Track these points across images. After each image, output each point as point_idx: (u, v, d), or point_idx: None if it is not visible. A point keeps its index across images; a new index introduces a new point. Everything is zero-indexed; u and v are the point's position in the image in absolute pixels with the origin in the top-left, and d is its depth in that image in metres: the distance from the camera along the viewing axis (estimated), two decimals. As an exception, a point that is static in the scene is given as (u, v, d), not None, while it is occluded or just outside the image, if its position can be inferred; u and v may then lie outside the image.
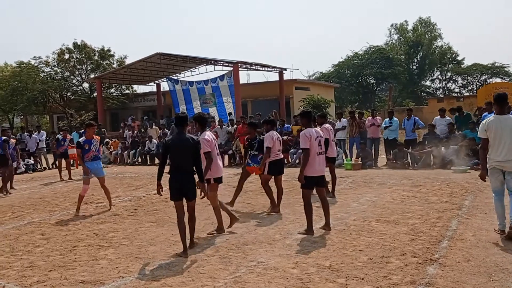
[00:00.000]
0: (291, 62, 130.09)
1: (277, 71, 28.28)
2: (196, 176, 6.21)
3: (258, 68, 27.73)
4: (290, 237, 6.44)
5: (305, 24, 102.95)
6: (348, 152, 15.12)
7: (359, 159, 13.79)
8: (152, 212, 8.75)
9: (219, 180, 6.94)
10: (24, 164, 17.47)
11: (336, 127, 15.11)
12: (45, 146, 19.10)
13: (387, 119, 14.65)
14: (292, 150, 15.11)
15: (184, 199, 6.13)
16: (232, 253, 5.81)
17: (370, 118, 14.75)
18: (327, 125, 9.29)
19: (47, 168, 18.79)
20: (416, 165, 13.21)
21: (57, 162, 16.09)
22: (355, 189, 10.28)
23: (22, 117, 40.72)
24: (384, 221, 7.14)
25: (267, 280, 4.84)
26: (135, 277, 5.13)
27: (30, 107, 34.70)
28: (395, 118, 14.62)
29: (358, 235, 6.41)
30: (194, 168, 6.12)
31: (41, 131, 19.98)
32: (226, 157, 16.13)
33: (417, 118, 14.55)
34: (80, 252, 6.24)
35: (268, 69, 28.29)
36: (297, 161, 14.82)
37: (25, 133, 19.30)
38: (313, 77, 48.25)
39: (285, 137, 16.04)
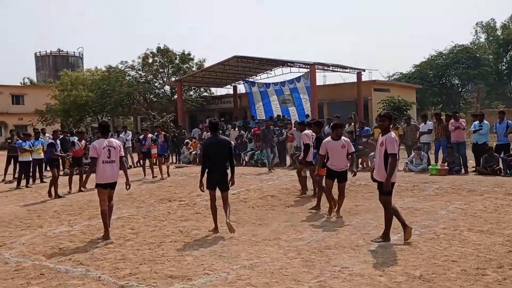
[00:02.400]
0: (370, 63, 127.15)
1: (355, 72, 27.63)
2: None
3: (336, 69, 27.25)
4: (374, 243, 6.23)
5: (384, 24, 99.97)
6: (433, 156, 14.38)
7: (446, 164, 13.06)
8: (232, 212, 8.80)
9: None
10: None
11: (420, 130, 14.43)
12: (131, 145, 20.20)
13: (476, 122, 13.71)
14: (372, 153, 14.67)
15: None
16: (314, 257, 5.73)
17: (453, 121, 13.89)
18: (307, 132, 10.15)
19: (133, 166, 19.82)
20: (508, 172, 12.26)
21: (141, 161, 16.89)
22: (443, 195, 9.73)
23: (109, 118, 43.38)
24: (477, 230, 6.69)
25: (353, 286, 4.70)
26: (220, 275, 5.21)
27: (117, 108, 36.81)
28: (485, 121, 13.64)
29: (449, 245, 6.04)
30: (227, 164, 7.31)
31: (127, 131, 21.15)
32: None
33: (510, 122, 13.49)
34: (167, 247, 6.47)
35: (346, 70, 27.72)
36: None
37: (114, 133, 20.52)
38: (393, 78, 46.63)
39: (364, 139, 15.67)
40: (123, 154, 7.76)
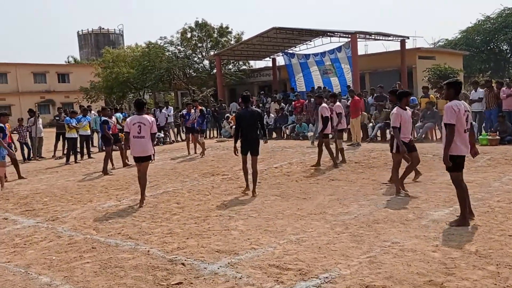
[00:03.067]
0: (414, 29, 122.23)
1: (399, 40, 26.63)
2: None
3: (378, 38, 26.34)
4: (425, 218, 6.01)
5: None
6: (484, 125, 13.72)
7: (497, 133, 12.45)
8: (275, 186, 8.83)
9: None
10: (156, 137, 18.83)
11: (471, 98, 13.77)
12: (173, 120, 20.46)
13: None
14: (418, 124, 14.18)
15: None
16: (363, 231, 5.59)
17: (505, 88, 13.16)
18: (325, 104, 10.78)
19: (175, 141, 20.13)
20: None
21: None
22: (495, 166, 9.30)
23: (150, 94, 44.06)
24: (536, 203, 6.33)
25: (405, 262, 4.54)
26: (266, 249, 5.17)
27: (158, 84, 37.30)
28: (541, 88, 12.85)
29: (505, 218, 5.75)
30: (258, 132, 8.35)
31: (169, 106, 21.40)
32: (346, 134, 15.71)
33: None
34: (212, 221, 6.49)
35: (389, 38, 26.76)
36: (423, 135, 13.90)
37: (156, 108, 20.80)
38: (438, 45, 44.71)
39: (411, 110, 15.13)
40: (155, 131, 8.01)
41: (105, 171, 11.73)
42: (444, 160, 5.65)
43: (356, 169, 10.10)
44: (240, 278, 4.40)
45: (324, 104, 10.78)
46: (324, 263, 4.67)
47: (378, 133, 15.14)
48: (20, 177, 11.79)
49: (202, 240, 5.66)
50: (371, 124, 15.39)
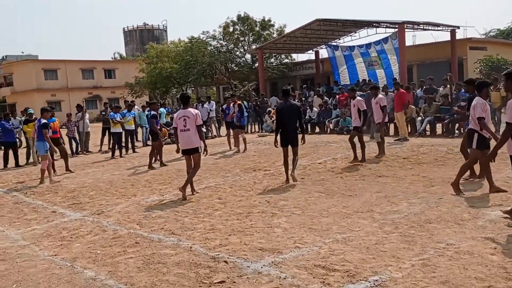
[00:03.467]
0: (465, 19, 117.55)
1: (449, 30, 25.50)
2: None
3: (427, 28, 25.34)
4: (481, 218, 5.63)
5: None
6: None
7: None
8: (319, 182, 8.59)
9: None
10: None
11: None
12: (214, 115, 20.50)
13: None
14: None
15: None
16: (414, 232, 5.28)
17: None
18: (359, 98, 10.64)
19: (217, 136, 20.17)
20: None
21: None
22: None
23: (193, 88, 44.54)
24: None
25: (462, 266, 4.23)
26: (311, 249, 4.98)
27: (200, 79, 37.61)
28: None
29: None
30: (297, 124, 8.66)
31: (211, 101, 21.45)
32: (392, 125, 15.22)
33: None
34: (255, 218, 6.36)
35: (438, 28, 25.68)
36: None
37: (198, 103, 20.91)
38: (490, 35, 42.67)
39: (463, 103, 14.42)
40: (200, 123, 8.05)
41: (150, 166, 11.85)
42: (493, 155, 5.46)
43: (405, 165, 9.69)
44: (285, 278, 4.24)
45: (359, 98, 10.86)
46: (373, 264, 4.42)
47: (427, 127, 14.54)
48: (67, 169, 12.11)
49: (245, 237, 5.53)
50: (419, 118, 14.78)
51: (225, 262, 4.73)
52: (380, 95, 10.92)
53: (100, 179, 10.73)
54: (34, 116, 14.68)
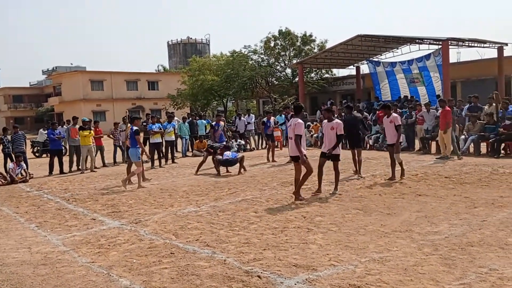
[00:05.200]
0: None
1: (496, 47, 24.70)
2: None
3: (472, 45, 24.64)
4: (528, 243, 5.35)
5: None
6: None
7: None
8: (357, 199, 8.43)
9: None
10: (236, 144, 19.06)
11: None
12: (253, 128, 20.61)
13: None
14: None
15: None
16: (455, 254, 5.08)
17: None
18: (395, 115, 10.46)
19: (255, 149, 20.23)
20: None
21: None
22: None
23: (233, 101, 45.01)
24: None
25: (505, 293, 4.03)
26: (347, 267, 4.87)
27: (240, 92, 38.00)
28: None
29: None
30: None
31: (251, 114, 21.61)
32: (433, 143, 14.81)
33: None
34: (290, 233, 6.30)
35: (484, 45, 24.91)
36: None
37: (236, 116, 21.13)
38: (540, 52, 41.00)
39: (509, 122, 13.89)
40: (298, 133, 8.38)
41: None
42: None
43: (446, 184, 9.38)
44: (318, 296, 4.16)
45: (394, 114, 10.70)
46: (411, 287, 4.28)
47: (471, 147, 14.05)
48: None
49: (279, 252, 5.48)
50: (463, 137, 14.31)
51: (259, 277, 4.70)
52: (394, 114, 10.52)
53: (139, 188, 10.93)
54: (87, 125, 15.32)
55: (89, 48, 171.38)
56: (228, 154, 12.62)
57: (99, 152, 16.07)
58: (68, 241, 6.56)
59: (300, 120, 8.51)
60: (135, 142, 11.20)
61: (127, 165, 12.51)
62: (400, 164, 10.30)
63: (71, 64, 78.80)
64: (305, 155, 8.42)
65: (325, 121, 9.40)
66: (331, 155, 9.11)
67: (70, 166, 15.33)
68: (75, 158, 15.41)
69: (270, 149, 15.23)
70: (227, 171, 12.86)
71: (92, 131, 15.47)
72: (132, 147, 11.29)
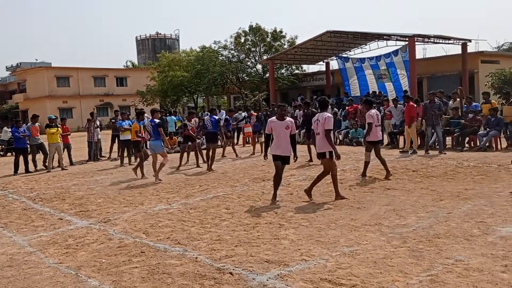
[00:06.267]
0: (477, 32, 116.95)
1: (460, 43, 25.40)
2: None
3: (437, 41, 25.26)
4: (492, 234, 5.53)
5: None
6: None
7: None
8: (327, 194, 8.52)
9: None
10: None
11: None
12: (222, 125, 20.54)
13: None
14: (481, 132, 13.36)
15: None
16: (422, 247, 5.20)
17: None
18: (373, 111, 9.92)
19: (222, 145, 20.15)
20: None
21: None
22: None
23: (204, 97, 44.73)
24: None
25: (470, 283, 4.15)
26: (318, 262, 4.92)
27: (211, 88, 37.76)
28: None
29: None
30: None
31: (221, 110, 21.51)
32: (401, 138, 15.12)
33: None
34: (262, 229, 6.31)
35: (449, 42, 25.59)
36: (487, 144, 13.06)
37: (204, 112, 21.01)
38: (503, 48, 42.41)
39: (471, 115, 14.31)
40: (328, 127, 7.92)
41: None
42: None
43: (414, 178, 9.60)
44: (290, 292, 4.18)
45: (372, 110, 10.04)
46: (380, 279, 4.36)
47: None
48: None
49: (251, 248, 5.48)
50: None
51: (231, 273, 4.69)
52: (371, 111, 9.87)
53: (108, 186, 10.74)
54: (54, 122, 15.01)
55: (54, 44, 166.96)
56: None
57: (65, 150, 15.68)
58: (35, 241, 6.38)
59: (329, 114, 8.06)
60: (159, 135, 11.23)
61: (138, 160, 12.39)
62: (367, 164, 10.18)
63: (36, 60, 76.48)
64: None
65: (273, 118, 8.18)
66: (294, 157, 8.67)
67: (35, 166, 14.91)
68: (38, 157, 15.04)
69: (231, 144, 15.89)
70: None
71: (59, 129, 15.10)
72: (156, 140, 11.31)
